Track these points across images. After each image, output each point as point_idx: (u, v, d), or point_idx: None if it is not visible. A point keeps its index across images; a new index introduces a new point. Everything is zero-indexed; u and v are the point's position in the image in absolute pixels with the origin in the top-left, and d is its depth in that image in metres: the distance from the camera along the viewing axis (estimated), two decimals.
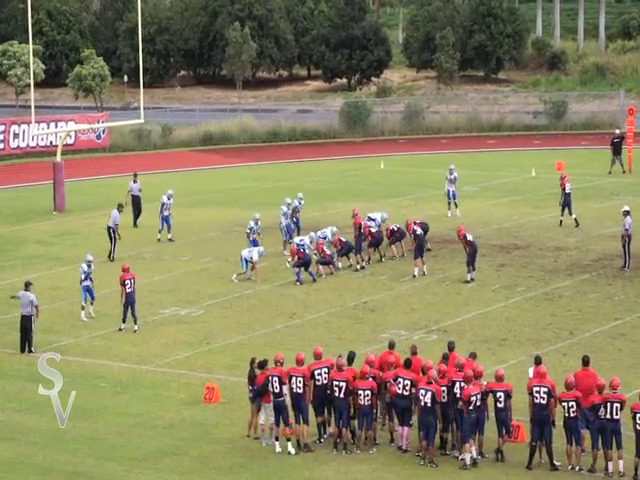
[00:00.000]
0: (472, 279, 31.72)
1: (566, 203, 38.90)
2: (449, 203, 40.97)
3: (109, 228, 35.51)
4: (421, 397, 19.57)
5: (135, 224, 40.17)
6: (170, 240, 37.73)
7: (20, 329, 26.58)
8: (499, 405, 19.62)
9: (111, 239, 35.38)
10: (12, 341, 27.05)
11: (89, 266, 29.12)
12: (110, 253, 35.32)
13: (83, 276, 29.00)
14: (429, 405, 19.53)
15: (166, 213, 37.81)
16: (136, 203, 40.55)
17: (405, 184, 48.79)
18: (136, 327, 28.02)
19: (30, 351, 26.37)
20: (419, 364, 20.47)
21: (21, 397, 23.49)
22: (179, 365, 25.43)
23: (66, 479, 19.23)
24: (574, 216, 38.70)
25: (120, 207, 36.34)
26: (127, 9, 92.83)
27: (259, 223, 34.65)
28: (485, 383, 19.94)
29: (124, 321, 28.03)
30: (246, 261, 32.36)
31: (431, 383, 19.61)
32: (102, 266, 33.75)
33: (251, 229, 34.29)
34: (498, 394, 19.61)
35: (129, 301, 27.92)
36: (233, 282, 32.20)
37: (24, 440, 21.03)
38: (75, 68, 76.01)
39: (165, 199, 37.85)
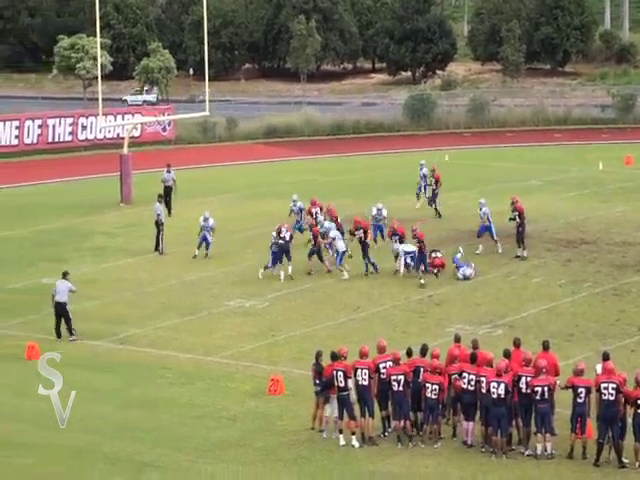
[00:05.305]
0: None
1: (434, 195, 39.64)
2: (417, 195, 40.79)
3: (155, 222, 35.70)
4: (493, 390, 19.48)
5: (169, 214, 40.11)
6: (206, 256, 34.47)
7: (55, 316, 26.93)
8: (579, 400, 19.42)
9: (157, 231, 35.50)
10: (80, 331, 27.24)
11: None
12: (157, 245, 35.44)
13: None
14: (502, 397, 19.44)
15: (205, 234, 34.58)
16: (167, 193, 40.99)
17: (469, 177, 48.48)
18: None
19: (71, 335, 26.65)
20: (483, 358, 20.36)
21: (88, 386, 23.71)
22: (244, 357, 25.51)
23: (133, 468, 19.40)
24: (434, 206, 39.35)
25: (160, 198, 36.95)
26: (192, 2, 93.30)
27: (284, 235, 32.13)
28: (556, 380, 19.84)
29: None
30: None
31: (501, 375, 19.52)
32: (157, 258, 34.23)
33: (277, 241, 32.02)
34: (579, 390, 19.42)
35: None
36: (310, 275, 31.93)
37: (92, 429, 21.24)
38: (142, 61, 76.71)
39: (201, 221, 34.70)
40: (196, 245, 34.56)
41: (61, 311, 26.83)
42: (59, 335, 26.83)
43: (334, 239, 32.19)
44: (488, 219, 34.46)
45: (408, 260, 31.59)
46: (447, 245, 34.56)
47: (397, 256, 31.91)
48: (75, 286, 27.37)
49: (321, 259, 32.52)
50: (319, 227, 33.08)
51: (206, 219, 34.64)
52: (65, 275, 27.48)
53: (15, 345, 26.01)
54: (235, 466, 19.49)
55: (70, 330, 26.85)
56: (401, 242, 32.22)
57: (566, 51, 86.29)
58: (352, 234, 32.67)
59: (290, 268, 31.76)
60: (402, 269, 31.63)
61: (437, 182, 39.85)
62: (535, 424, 19.66)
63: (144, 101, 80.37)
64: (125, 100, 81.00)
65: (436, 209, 39.75)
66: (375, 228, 34.94)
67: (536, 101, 69.99)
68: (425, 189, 40.93)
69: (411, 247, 31.75)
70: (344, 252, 32.18)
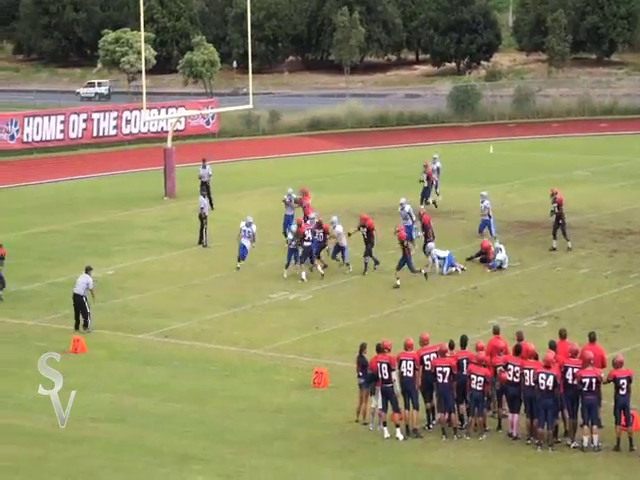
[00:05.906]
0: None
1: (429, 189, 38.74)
2: (436, 191, 39.54)
3: (199, 215, 35.64)
4: (542, 381, 19.33)
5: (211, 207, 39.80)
6: (237, 268, 32.37)
7: (73, 307, 27.11)
8: (621, 392, 19.21)
9: (201, 225, 35.45)
10: (125, 324, 27.49)
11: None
12: (200, 239, 35.41)
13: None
14: (550, 389, 19.29)
15: (243, 242, 32.46)
16: (206, 189, 40.51)
17: (515, 168, 48.14)
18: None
19: (85, 327, 26.76)
20: (526, 350, 20.19)
21: (132, 379, 23.83)
22: (287, 349, 25.49)
23: (177, 461, 19.43)
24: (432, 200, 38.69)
25: (203, 191, 37.69)
26: None
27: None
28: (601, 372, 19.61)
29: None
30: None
31: (550, 367, 19.35)
32: (201, 251, 34.22)
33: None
34: (621, 381, 19.22)
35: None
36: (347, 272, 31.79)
37: (135, 422, 21.32)
38: (186, 54, 77.00)
39: (243, 225, 32.68)
40: (236, 255, 32.36)
41: (78, 304, 26.95)
42: (77, 326, 26.94)
43: (340, 233, 31.89)
44: (488, 213, 33.93)
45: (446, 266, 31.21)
46: (486, 236, 34.31)
47: (429, 253, 31.45)
48: (94, 284, 27.21)
49: (318, 256, 31.98)
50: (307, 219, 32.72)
51: (249, 224, 32.64)
52: (88, 270, 27.41)
53: (60, 339, 26.17)
54: (279, 459, 19.47)
55: (86, 324, 26.89)
56: (426, 237, 31.81)
57: (612, 40, 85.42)
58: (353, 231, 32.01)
59: (320, 267, 31.36)
60: (430, 267, 31.21)
61: (428, 178, 38.99)
62: (582, 416, 19.48)
63: (96, 93, 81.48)
64: (78, 93, 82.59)
65: (427, 202, 38.60)
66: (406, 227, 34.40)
67: (582, 91, 69.41)
68: (437, 183, 39.87)
69: (444, 253, 31.43)
70: (345, 247, 31.89)
